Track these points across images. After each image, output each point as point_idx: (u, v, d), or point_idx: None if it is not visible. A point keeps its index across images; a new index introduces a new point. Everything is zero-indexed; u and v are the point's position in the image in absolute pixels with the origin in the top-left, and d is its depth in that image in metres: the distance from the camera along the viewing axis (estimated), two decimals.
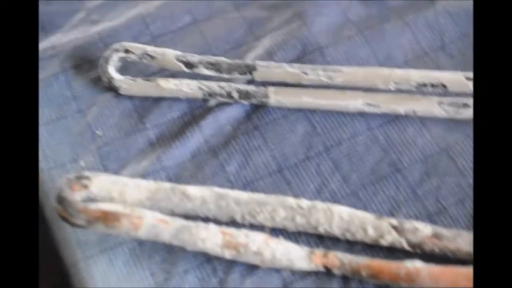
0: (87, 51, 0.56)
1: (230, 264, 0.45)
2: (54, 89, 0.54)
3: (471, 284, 0.41)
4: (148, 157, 0.50)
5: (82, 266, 0.46)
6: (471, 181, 0.48)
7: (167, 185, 0.47)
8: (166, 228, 0.45)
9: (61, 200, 0.45)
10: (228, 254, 0.44)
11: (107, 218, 0.44)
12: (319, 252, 0.44)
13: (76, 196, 0.45)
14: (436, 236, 0.44)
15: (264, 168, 0.49)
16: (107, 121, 0.52)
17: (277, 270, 0.45)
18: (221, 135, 0.51)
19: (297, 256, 0.44)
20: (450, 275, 0.42)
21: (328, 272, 0.44)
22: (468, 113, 0.49)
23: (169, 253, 0.46)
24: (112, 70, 0.53)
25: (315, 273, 0.45)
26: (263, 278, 0.45)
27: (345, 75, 0.51)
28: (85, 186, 0.46)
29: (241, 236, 0.44)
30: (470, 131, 0.50)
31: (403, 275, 0.43)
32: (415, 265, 0.43)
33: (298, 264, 0.44)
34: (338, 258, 0.44)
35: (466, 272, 0.42)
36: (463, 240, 0.43)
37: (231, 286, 0.45)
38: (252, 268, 0.45)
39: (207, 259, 0.46)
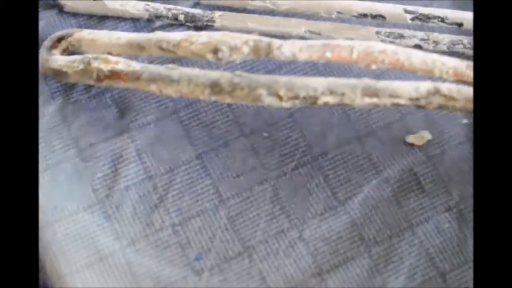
0: None
1: (170, 181, 0.47)
2: None
3: None
4: None
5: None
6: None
7: None
8: None
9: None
10: None
11: None
12: None
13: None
14: None
15: None
16: None
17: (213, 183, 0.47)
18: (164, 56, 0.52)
19: None
20: None
21: None
22: (403, 43, 0.51)
23: (110, 169, 0.48)
24: None
25: None
26: (200, 195, 0.47)
27: (290, 3, 0.52)
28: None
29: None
30: None
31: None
32: None
33: None
34: None
35: None
36: None
37: (171, 202, 0.47)
38: (189, 185, 0.47)
39: (148, 176, 0.48)
